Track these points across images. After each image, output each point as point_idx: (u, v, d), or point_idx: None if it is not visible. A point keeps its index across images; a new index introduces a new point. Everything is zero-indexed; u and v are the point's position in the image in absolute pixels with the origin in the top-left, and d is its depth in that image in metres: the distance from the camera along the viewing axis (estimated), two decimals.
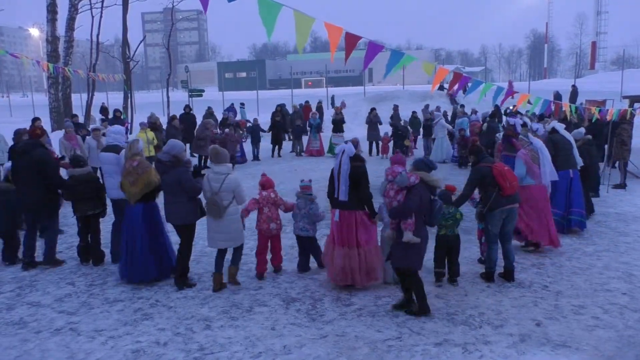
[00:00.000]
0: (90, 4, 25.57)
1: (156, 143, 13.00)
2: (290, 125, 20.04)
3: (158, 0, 32.51)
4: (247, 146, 17.51)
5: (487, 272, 6.18)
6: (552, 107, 9.84)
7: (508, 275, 6.16)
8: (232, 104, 25.89)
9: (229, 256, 6.10)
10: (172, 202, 5.85)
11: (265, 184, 6.39)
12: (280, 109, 20.19)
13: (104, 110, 24.14)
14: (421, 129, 18.42)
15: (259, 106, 30.14)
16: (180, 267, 6.05)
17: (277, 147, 17.83)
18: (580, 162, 8.06)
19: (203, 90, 32.34)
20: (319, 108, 26.27)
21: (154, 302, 5.68)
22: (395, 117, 18.89)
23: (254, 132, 17.20)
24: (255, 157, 17.06)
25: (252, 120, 18.99)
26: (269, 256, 6.48)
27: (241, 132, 17.13)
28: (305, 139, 18.80)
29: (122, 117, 18.26)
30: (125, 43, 26.02)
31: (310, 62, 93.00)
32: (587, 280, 6.16)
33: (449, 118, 20.23)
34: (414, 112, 19.70)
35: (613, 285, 6.00)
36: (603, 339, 4.73)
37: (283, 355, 4.54)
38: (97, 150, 9.53)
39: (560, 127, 8.23)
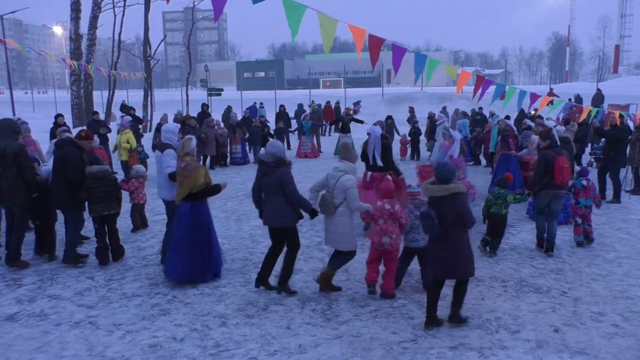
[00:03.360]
0: (113, 3, 25.94)
1: (133, 148, 12.09)
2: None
3: (179, 0, 32.83)
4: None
5: (537, 239, 7.41)
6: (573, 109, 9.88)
7: (548, 246, 7.17)
8: (255, 103, 25.95)
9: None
10: (271, 203, 5.65)
11: (384, 192, 5.82)
12: (285, 108, 19.70)
13: (124, 107, 24.48)
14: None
15: (277, 106, 30.23)
16: (284, 272, 5.82)
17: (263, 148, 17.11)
18: None
19: (222, 89, 32.48)
20: (337, 108, 26.32)
21: (171, 298, 5.74)
22: (411, 119, 18.83)
23: (253, 133, 16.31)
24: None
25: (269, 121, 18.93)
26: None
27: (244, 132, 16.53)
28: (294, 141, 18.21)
29: (137, 114, 18.45)
30: (146, 42, 26.31)
31: (328, 63, 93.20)
32: (607, 287, 6.07)
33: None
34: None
35: (634, 292, 5.90)
36: (623, 348, 4.66)
37: (298, 354, 4.55)
38: None
39: (558, 128, 9.22)
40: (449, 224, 4.77)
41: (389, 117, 18.35)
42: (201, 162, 14.12)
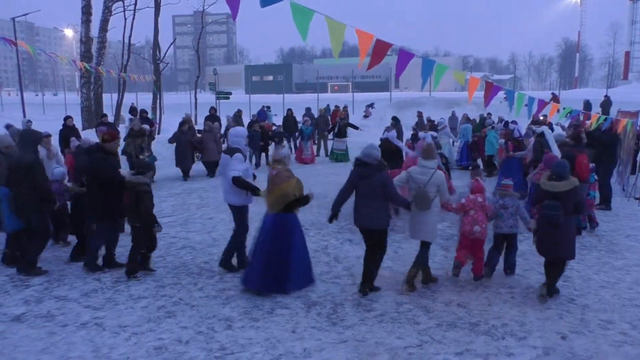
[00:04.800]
0: (124, 6, 26.06)
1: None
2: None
3: (189, 4, 33.01)
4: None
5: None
6: (581, 117, 9.93)
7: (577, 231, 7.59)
8: (263, 107, 25.96)
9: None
10: (370, 205, 5.72)
11: (474, 188, 6.41)
12: (292, 112, 19.41)
13: (133, 110, 24.54)
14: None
15: (285, 110, 30.29)
16: (369, 273, 5.93)
17: (264, 154, 16.08)
18: None
19: (230, 93, 32.57)
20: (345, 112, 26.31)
21: (177, 301, 5.75)
22: (419, 124, 18.87)
23: (252, 139, 15.35)
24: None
25: (277, 124, 18.83)
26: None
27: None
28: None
29: (149, 116, 18.51)
30: (156, 45, 26.41)
31: (336, 67, 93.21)
32: (616, 294, 6.02)
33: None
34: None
35: None
36: (631, 356, 4.61)
37: (303, 358, 4.54)
38: (48, 160, 8.23)
39: (548, 132, 9.55)
40: (569, 212, 5.62)
41: (394, 118, 18.37)
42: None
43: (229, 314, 5.40)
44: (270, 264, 5.74)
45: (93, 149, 6.81)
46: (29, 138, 6.62)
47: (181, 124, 13.88)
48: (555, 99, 27.30)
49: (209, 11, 33.19)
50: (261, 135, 15.90)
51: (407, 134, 18.37)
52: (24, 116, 21.53)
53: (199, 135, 14.38)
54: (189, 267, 6.86)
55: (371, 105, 31.69)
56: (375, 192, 5.67)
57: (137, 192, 6.28)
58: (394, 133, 10.27)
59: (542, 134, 9.50)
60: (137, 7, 26.19)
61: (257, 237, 5.94)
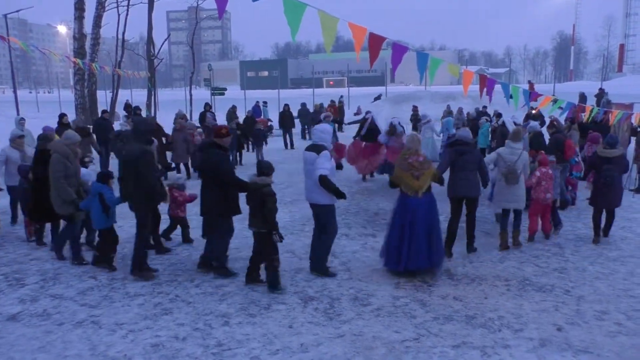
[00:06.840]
0: (117, 2, 25.97)
1: None
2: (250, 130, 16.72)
3: None
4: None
5: (561, 201, 8.95)
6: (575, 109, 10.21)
7: (562, 204, 9.08)
8: (257, 102, 25.88)
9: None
10: (468, 177, 6.87)
11: (542, 161, 7.74)
12: (289, 108, 19.30)
13: (127, 107, 24.49)
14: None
15: (280, 105, 30.23)
16: (471, 235, 7.12)
17: (238, 153, 15.37)
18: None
19: (225, 89, 32.51)
20: (340, 107, 26.29)
21: (174, 297, 5.74)
22: (414, 118, 18.94)
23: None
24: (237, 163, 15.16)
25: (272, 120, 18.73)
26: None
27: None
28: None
29: (140, 114, 18.39)
30: (150, 41, 26.35)
31: (332, 62, 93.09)
32: (611, 285, 6.05)
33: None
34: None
35: (637, 291, 5.87)
36: (626, 346, 4.64)
37: (300, 353, 4.55)
38: (22, 162, 7.94)
39: (509, 122, 10.90)
40: (622, 172, 7.47)
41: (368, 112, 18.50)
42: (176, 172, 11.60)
43: (226, 310, 5.40)
44: (432, 242, 6.22)
45: (207, 144, 6.45)
46: (139, 128, 6.19)
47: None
48: (531, 86, 27.92)
49: (203, 6, 33.02)
50: (240, 132, 15.03)
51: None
52: (18, 114, 21.41)
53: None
54: (186, 263, 6.85)
55: (378, 97, 31.91)
56: (472, 166, 6.88)
57: (262, 194, 5.78)
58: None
59: (503, 124, 10.79)
60: (130, 3, 26.09)
61: (414, 221, 6.12)
